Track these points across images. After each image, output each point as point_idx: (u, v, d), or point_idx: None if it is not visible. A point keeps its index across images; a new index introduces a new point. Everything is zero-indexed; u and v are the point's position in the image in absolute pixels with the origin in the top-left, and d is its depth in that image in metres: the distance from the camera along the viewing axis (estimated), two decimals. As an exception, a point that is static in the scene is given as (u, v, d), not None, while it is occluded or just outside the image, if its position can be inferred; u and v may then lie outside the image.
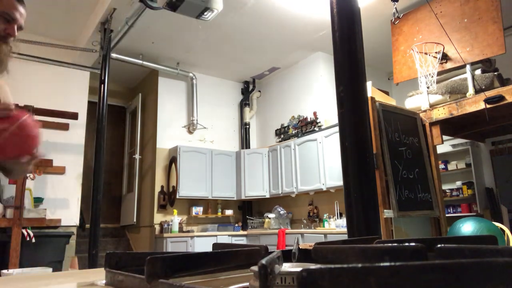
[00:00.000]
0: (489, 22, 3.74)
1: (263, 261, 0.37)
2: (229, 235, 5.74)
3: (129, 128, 6.86)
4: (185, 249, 5.19)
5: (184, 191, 5.68)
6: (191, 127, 6.29)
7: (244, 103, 6.97)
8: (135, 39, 5.18)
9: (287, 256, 0.62)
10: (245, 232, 5.98)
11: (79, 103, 5.02)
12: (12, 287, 0.66)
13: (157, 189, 5.85)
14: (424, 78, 3.91)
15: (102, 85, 4.40)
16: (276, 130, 6.56)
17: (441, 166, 5.59)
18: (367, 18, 4.06)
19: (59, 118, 4.63)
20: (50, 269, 3.09)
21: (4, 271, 3.03)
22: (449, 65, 3.99)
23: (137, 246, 6.05)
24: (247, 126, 6.91)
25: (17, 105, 4.26)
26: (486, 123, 3.83)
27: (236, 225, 6.27)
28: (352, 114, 1.76)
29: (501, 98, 3.39)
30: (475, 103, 3.57)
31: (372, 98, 3.47)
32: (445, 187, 5.53)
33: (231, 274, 0.66)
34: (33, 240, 3.85)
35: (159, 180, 5.89)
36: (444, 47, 3.98)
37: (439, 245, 0.51)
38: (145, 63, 5.76)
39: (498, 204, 5.42)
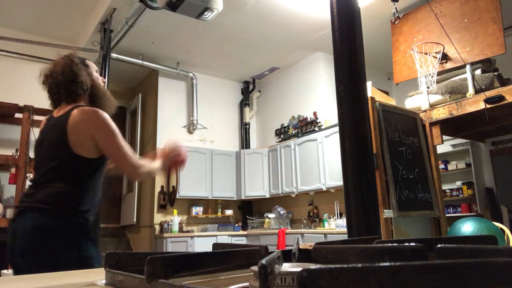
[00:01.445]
0: (489, 22, 3.74)
1: (263, 261, 0.37)
2: (229, 235, 5.74)
3: (129, 128, 6.85)
4: (185, 249, 5.19)
5: (184, 191, 5.68)
6: (191, 127, 6.29)
7: (244, 103, 6.97)
8: (135, 39, 5.18)
9: (287, 256, 0.62)
10: (245, 232, 5.99)
11: (79, 103, 5.02)
12: (12, 287, 0.66)
13: (157, 189, 5.86)
14: (424, 78, 3.91)
15: (102, 85, 4.40)
16: (276, 130, 6.56)
17: (441, 166, 5.59)
18: (367, 18, 4.06)
19: (59, 118, 4.63)
20: (50, 269, 3.08)
21: (4, 271, 3.03)
22: (449, 65, 3.99)
23: (137, 246, 6.06)
24: (247, 126, 6.91)
25: (16, 105, 4.26)
26: (486, 123, 3.83)
27: (236, 225, 6.27)
28: (352, 114, 1.75)
29: (501, 98, 3.39)
30: (475, 103, 3.57)
31: (372, 98, 3.47)
32: (445, 187, 5.53)
33: (231, 274, 0.66)
34: (33, 240, 3.85)
35: (159, 180, 5.90)
36: (444, 47, 3.98)
37: (439, 245, 0.51)
38: (145, 63, 5.76)
39: (498, 204, 5.42)
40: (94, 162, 1.57)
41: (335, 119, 5.14)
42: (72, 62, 1.68)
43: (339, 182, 4.44)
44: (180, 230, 5.59)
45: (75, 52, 1.78)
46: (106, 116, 1.62)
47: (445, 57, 4.00)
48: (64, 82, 1.65)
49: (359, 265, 0.29)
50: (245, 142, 6.83)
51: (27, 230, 1.43)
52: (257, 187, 6.13)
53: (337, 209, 5.10)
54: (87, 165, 1.55)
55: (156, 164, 1.71)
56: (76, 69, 1.67)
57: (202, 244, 5.37)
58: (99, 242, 1.62)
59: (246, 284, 0.53)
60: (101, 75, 4.80)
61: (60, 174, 1.53)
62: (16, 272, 1.48)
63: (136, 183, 6.14)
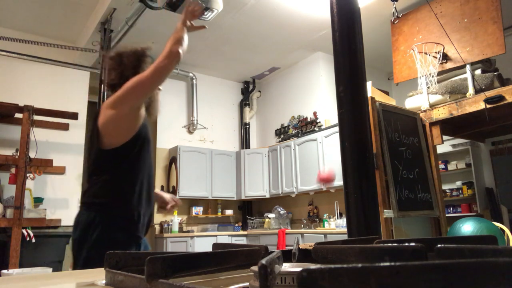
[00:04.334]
0: (489, 22, 3.74)
1: (263, 261, 0.37)
2: (229, 235, 5.74)
3: (129, 128, 6.85)
4: (185, 249, 5.19)
5: (184, 191, 5.68)
6: (191, 127, 6.29)
7: (244, 103, 6.97)
8: (135, 39, 5.18)
9: (287, 256, 0.62)
10: (245, 232, 5.98)
11: (79, 103, 5.02)
12: (12, 287, 0.66)
13: (157, 189, 5.85)
14: (424, 78, 3.91)
15: (102, 85, 4.41)
16: (276, 130, 6.56)
17: (441, 166, 5.59)
18: (367, 18, 4.06)
19: (59, 118, 4.63)
20: (50, 269, 3.09)
21: (4, 271, 3.03)
22: (449, 65, 3.99)
23: (137, 246, 6.05)
24: (247, 126, 6.91)
25: (16, 105, 4.27)
26: (486, 123, 3.83)
27: (236, 225, 6.27)
28: (352, 114, 1.75)
29: (501, 98, 3.39)
30: (475, 103, 3.57)
31: (372, 98, 3.47)
32: (445, 187, 5.53)
33: (231, 274, 0.66)
34: (33, 240, 3.85)
35: (159, 180, 5.90)
36: (444, 47, 3.98)
37: (439, 245, 0.51)
38: (145, 63, 5.76)
39: (498, 204, 5.42)
40: (125, 148, 1.55)
41: (335, 119, 5.14)
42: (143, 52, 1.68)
43: (339, 182, 4.44)
44: (180, 230, 5.59)
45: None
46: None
47: (445, 57, 4.00)
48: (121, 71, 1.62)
49: (359, 265, 0.29)
50: (245, 142, 6.83)
51: (78, 225, 1.53)
52: (257, 187, 6.13)
53: (337, 209, 5.10)
54: (117, 155, 1.55)
55: (177, 31, 1.66)
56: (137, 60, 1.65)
57: (202, 244, 5.37)
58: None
59: (246, 284, 0.53)
60: (101, 75, 4.79)
61: (96, 169, 1.57)
62: (74, 261, 1.58)
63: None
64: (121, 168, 1.55)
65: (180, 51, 1.56)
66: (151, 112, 1.69)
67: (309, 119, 5.90)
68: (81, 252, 1.50)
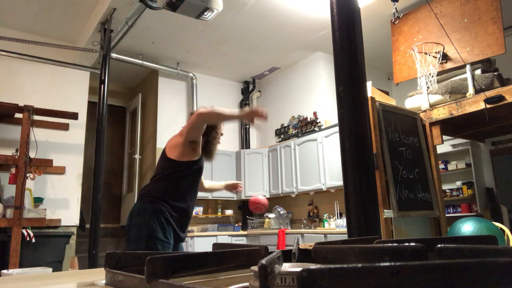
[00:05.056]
0: (489, 22, 3.74)
1: (263, 261, 0.37)
2: (229, 235, 5.74)
3: (129, 128, 6.85)
4: (185, 249, 5.19)
5: (184, 191, 5.67)
6: (191, 127, 6.28)
7: (244, 103, 6.97)
8: (135, 39, 5.18)
9: (287, 256, 0.62)
10: (245, 232, 5.98)
11: (79, 103, 5.01)
12: (12, 287, 0.66)
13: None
14: (424, 78, 3.91)
15: (102, 85, 4.40)
16: (276, 130, 6.56)
17: (441, 166, 5.59)
18: (367, 18, 4.06)
19: (59, 118, 4.63)
20: (50, 269, 3.09)
21: (4, 271, 3.03)
22: (449, 65, 3.99)
23: (137, 246, 6.04)
24: (247, 126, 6.91)
25: (16, 105, 4.27)
26: (486, 123, 3.83)
27: (236, 225, 6.27)
28: (352, 114, 1.75)
29: (501, 98, 3.39)
30: (475, 103, 3.57)
31: (372, 98, 3.47)
32: (445, 187, 5.52)
33: (231, 274, 0.66)
34: (33, 240, 3.85)
35: (159, 180, 5.88)
36: (444, 47, 3.98)
37: (439, 245, 0.51)
38: (145, 63, 5.76)
39: (498, 204, 5.42)
40: (182, 165, 2.09)
41: (335, 119, 5.14)
42: None
43: (339, 182, 4.44)
44: (180, 230, 5.58)
45: None
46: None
47: (445, 57, 4.00)
48: None
49: (359, 265, 0.29)
50: (245, 142, 6.82)
51: (130, 212, 2.08)
52: (257, 187, 6.13)
53: (337, 209, 5.10)
54: (176, 166, 2.08)
55: (233, 110, 2.04)
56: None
57: (202, 244, 5.37)
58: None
59: (246, 284, 0.53)
60: (101, 75, 4.78)
61: (158, 175, 2.12)
62: (127, 243, 2.10)
63: (136, 183, 6.14)
64: (172, 177, 2.08)
65: (204, 110, 1.99)
66: (208, 154, 2.29)
67: (309, 119, 5.90)
68: (128, 233, 2.02)
